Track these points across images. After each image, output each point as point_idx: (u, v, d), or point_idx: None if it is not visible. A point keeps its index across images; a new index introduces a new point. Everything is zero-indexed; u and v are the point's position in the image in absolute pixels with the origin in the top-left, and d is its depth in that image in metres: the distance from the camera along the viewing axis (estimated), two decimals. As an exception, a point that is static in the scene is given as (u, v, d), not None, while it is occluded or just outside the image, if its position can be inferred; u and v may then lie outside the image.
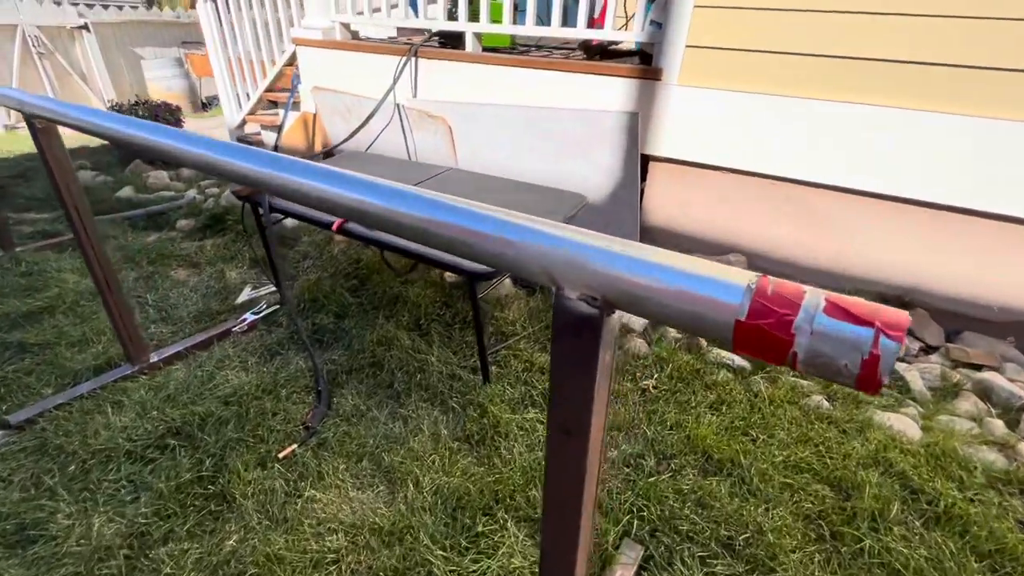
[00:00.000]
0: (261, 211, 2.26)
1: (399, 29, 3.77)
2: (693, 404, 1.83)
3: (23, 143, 6.17)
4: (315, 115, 4.01)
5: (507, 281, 2.57)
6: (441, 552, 1.32)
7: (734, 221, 2.63)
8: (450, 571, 1.29)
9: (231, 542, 1.36)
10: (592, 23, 2.69)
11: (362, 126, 3.10)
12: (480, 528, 1.38)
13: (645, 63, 2.58)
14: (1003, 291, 2.23)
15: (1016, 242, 2.14)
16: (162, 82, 8.05)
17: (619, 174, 2.62)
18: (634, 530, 1.40)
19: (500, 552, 1.32)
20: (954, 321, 2.33)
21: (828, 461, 1.60)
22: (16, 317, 2.31)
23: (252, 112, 4.30)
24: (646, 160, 2.67)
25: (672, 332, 2.21)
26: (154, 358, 2.02)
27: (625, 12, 2.95)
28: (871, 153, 2.21)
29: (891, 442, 1.67)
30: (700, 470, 1.59)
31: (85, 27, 8.00)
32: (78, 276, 2.66)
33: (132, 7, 8.51)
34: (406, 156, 3.27)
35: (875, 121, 2.16)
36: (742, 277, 0.45)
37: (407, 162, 3.06)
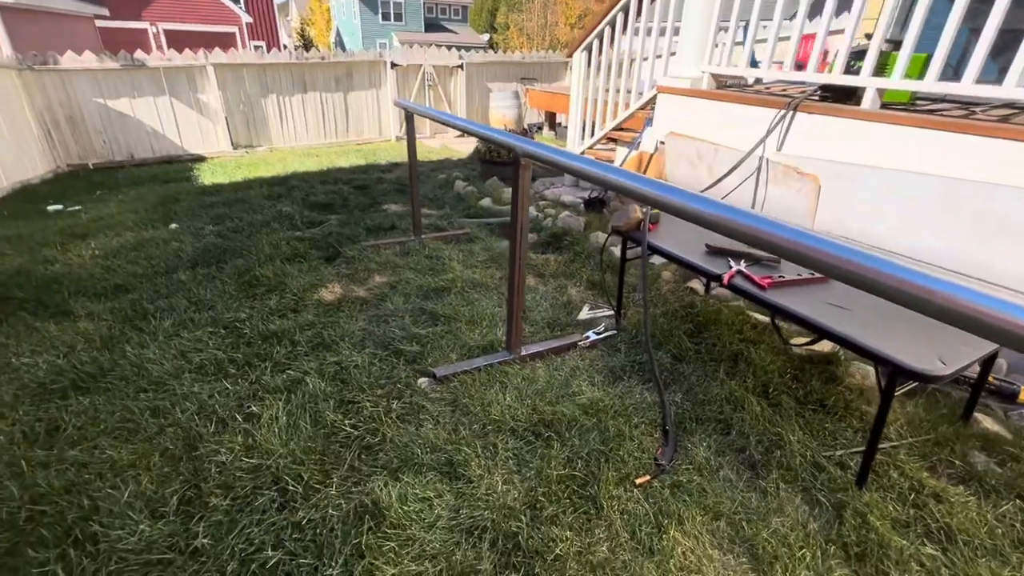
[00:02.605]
0: (631, 246, 2.50)
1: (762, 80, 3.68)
2: None
3: (422, 151, 8.29)
4: (651, 156, 4.25)
5: (871, 370, 2.23)
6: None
7: None
8: None
9: (603, 549, 1.50)
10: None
11: (727, 175, 3.13)
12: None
13: None
14: None
15: None
16: (500, 110, 9.79)
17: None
18: None
19: None
20: None
21: None
22: (428, 290, 3.07)
23: (591, 146, 4.81)
24: None
25: None
26: (523, 351, 2.41)
27: None
28: None
29: None
30: None
31: (461, 66, 10.32)
32: (462, 266, 3.39)
33: (489, 50, 10.54)
34: (749, 208, 3.17)
35: None
36: None
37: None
